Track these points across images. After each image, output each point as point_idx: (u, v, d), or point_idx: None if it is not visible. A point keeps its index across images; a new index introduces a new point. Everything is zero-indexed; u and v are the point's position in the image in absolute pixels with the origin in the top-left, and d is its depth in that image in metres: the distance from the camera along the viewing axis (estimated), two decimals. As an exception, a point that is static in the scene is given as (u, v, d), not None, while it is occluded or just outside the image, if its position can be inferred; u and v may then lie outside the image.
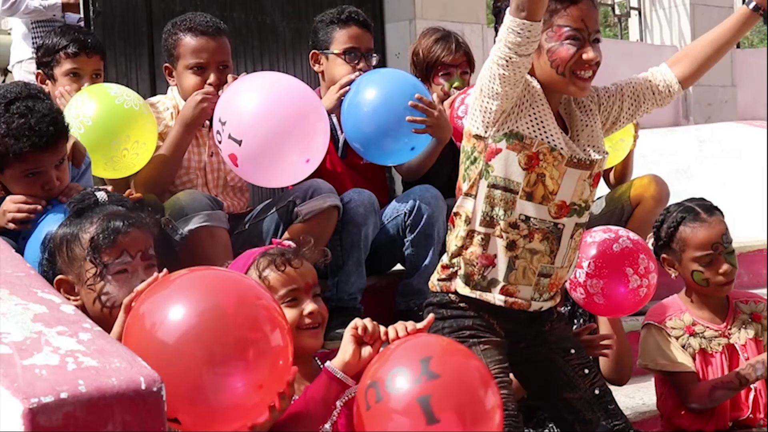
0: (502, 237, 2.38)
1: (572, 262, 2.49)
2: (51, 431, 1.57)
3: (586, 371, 2.52)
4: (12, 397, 1.57)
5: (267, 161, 3.00)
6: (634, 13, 9.64)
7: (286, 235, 3.24)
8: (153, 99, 3.51)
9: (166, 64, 3.44)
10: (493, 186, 2.37)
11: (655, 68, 2.56)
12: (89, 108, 3.09)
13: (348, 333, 2.12)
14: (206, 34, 3.34)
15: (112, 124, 3.09)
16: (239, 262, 2.37)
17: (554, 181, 2.39)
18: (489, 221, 2.38)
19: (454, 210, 2.45)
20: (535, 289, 2.44)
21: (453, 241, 2.44)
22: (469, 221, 2.39)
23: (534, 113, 2.38)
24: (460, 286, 2.42)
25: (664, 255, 3.10)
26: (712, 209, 3.06)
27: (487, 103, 2.33)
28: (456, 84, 3.83)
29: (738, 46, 9.94)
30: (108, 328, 2.18)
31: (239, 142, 2.98)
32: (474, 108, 2.37)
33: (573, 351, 2.54)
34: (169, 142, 3.27)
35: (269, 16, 6.37)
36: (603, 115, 2.54)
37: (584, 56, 2.37)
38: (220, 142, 3.05)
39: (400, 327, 2.12)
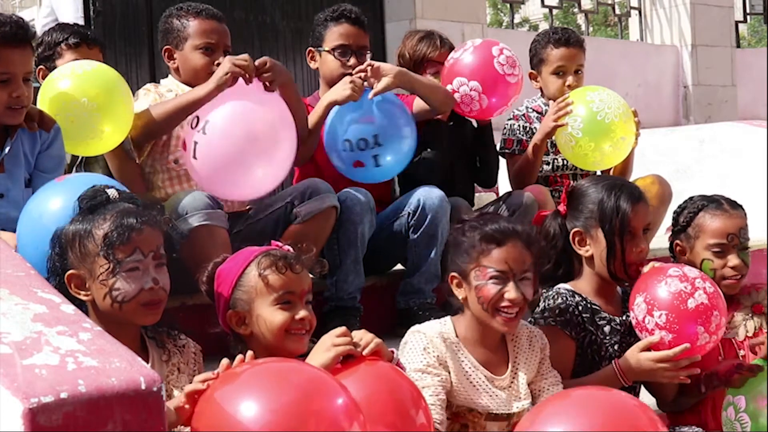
0: None
1: None
2: (51, 431, 1.57)
3: None
4: (12, 397, 1.57)
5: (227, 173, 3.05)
6: (634, 12, 9.64)
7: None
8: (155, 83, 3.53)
9: (168, 47, 3.46)
10: None
11: None
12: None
13: (337, 349, 2.16)
14: (215, 18, 3.45)
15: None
16: (238, 258, 2.39)
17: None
18: None
19: None
20: None
21: None
22: None
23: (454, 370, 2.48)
24: None
25: (677, 242, 3.09)
26: (736, 204, 3.05)
27: None
28: None
29: (738, 46, 9.94)
30: (115, 324, 2.21)
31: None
32: None
33: None
34: (186, 97, 3.20)
35: (269, 15, 6.38)
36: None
37: (506, 296, 2.48)
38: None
39: (363, 342, 2.20)
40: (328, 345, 2.18)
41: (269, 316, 2.29)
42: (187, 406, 1.96)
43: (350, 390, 2.07)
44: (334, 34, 3.67)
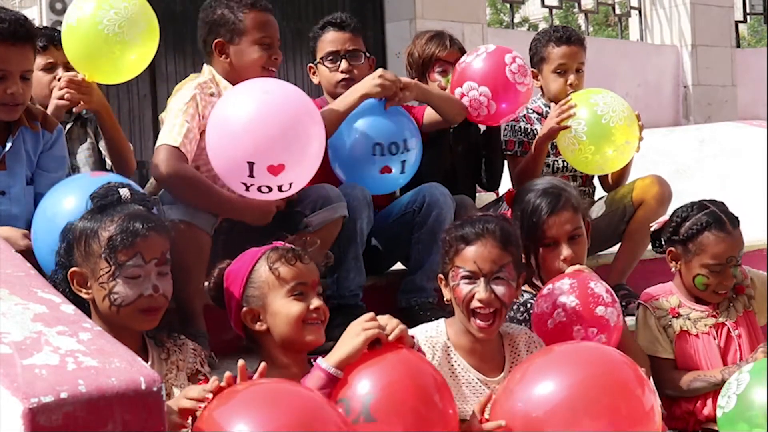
0: None
1: None
2: (51, 431, 1.57)
3: None
4: (12, 397, 1.57)
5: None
6: (634, 12, 9.64)
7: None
8: (195, 81, 3.25)
9: (220, 40, 3.25)
10: None
11: None
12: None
13: (367, 333, 2.17)
14: (268, 10, 3.32)
15: None
16: (245, 258, 2.40)
17: None
18: None
19: None
20: None
21: None
22: None
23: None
24: None
25: (672, 248, 3.11)
26: (736, 222, 3.08)
27: None
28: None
29: (738, 46, 9.94)
30: (114, 326, 2.21)
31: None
32: None
33: None
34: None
35: (269, 15, 6.36)
36: None
37: (476, 296, 2.45)
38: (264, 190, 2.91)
39: (389, 328, 2.20)
40: (358, 330, 2.19)
41: (284, 308, 2.30)
42: (178, 420, 1.96)
43: (375, 376, 2.10)
44: (323, 44, 3.70)
